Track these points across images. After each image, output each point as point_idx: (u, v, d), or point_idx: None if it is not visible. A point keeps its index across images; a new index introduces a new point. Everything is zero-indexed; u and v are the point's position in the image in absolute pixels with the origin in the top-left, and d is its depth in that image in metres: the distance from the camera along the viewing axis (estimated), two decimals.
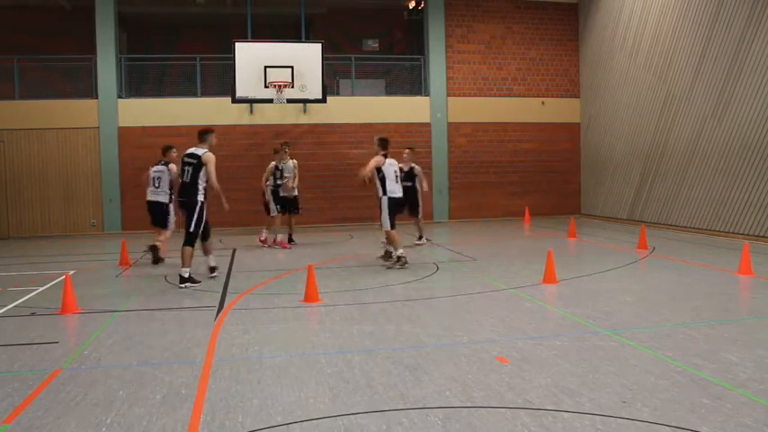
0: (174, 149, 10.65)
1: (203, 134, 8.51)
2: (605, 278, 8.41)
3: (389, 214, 9.33)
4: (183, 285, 8.19)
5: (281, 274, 9.25)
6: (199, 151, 8.32)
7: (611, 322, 5.98)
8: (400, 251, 9.37)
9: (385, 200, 9.35)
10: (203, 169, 8.24)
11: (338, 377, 4.54)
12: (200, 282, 8.37)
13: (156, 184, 10.46)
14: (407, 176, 11.55)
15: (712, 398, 3.96)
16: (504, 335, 5.63)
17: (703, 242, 11.87)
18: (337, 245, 12.96)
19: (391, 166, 9.51)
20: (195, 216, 8.28)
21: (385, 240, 9.75)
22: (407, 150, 12.09)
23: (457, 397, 4.10)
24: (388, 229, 9.32)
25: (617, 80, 16.51)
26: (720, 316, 6.18)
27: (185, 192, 8.37)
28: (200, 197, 8.30)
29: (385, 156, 9.45)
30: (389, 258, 9.71)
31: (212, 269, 8.92)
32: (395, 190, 9.45)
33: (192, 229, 8.29)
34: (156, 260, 10.44)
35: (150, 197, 10.53)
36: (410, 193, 11.53)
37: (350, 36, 19.03)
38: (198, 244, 8.48)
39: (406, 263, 9.31)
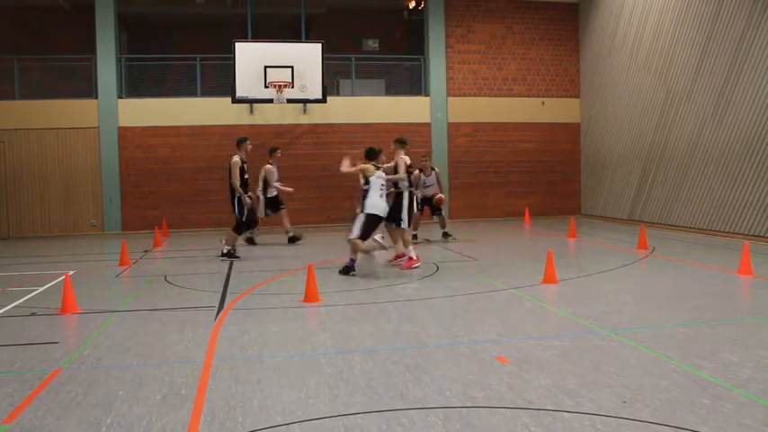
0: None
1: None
2: (605, 278, 8.41)
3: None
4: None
5: (281, 274, 9.25)
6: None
7: (611, 322, 5.98)
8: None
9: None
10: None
11: (338, 377, 4.53)
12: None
13: None
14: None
15: (712, 398, 3.96)
16: (504, 335, 5.63)
17: (703, 242, 11.86)
18: (337, 245, 12.93)
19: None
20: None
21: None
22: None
23: (457, 397, 4.10)
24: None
25: (617, 80, 16.50)
26: (720, 316, 6.17)
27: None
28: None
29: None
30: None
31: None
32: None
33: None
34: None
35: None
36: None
37: (350, 36, 19.02)
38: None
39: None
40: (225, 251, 10.79)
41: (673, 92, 14.13)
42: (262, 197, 12.79)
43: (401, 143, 9.91)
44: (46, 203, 16.17)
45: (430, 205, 12.86)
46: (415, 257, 9.43)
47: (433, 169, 12.97)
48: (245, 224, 11.00)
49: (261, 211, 12.71)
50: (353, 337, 5.69)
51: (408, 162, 9.80)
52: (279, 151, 13.21)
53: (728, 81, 12.34)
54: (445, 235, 12.91)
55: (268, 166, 12.85)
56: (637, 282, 8.30)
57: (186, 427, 3.72)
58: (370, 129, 17.19)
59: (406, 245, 9.59)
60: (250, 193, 11.14)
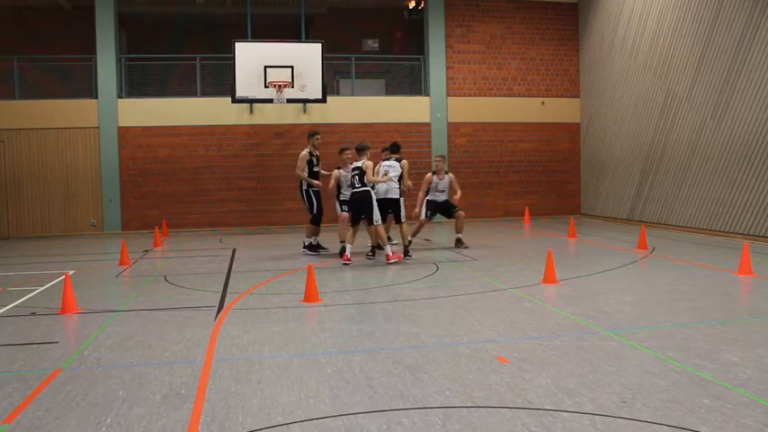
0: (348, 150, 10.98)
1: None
2: (605, 278, 8.41)
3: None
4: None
5: (281, 274, 9.25)
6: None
7: (611, 322, 5.98)
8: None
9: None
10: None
11: (338, 377, 4.54)
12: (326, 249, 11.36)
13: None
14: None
15: (712, 398, 3.96)
16: (504, 335, 5.63)
17: (703, 242, 11.86)
18: (337, 244, 12.92)
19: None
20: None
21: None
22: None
23: (457, 397, 4.10)
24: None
25: (617, 80, 16.51)
26: (720, 316, 6.17)
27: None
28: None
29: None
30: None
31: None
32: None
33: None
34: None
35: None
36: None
37: (350, 36, 19.02)
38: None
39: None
40: (306, 243, 11.33)
41: (673, 92, 14.13)
42: (337, 203, 11.50)
43: (358, 150, 10.35)
44: (46, 203, 16.17)
45: (443, 212, 11.90)
46: (347, 254, 9.99)
47: (446, 173, 11.88)
48: (320, 214, 11.23)
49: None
50: (353, 337, 5.69)
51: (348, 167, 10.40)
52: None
53: (728, 81, 12.34)
54: (458, 242, 11.70)
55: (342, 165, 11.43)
56: (637, 282, 8.29)
57: (186, 427, 3.72)
58: (371, 129, 17.20)
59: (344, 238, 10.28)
60: (320, 184, 11.17)
